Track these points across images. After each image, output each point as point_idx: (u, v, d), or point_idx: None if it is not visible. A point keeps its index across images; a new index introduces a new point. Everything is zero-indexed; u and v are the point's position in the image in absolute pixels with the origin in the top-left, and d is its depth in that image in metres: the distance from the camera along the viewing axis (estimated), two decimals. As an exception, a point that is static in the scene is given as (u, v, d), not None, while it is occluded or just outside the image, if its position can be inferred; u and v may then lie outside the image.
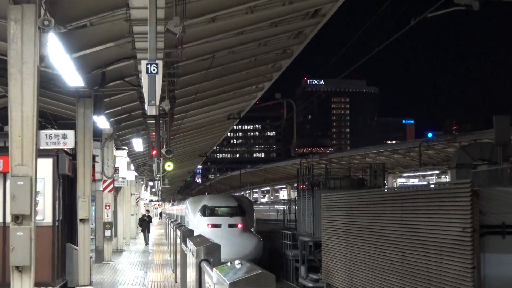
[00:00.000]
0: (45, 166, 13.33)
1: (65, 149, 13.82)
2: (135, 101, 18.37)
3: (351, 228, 16.46)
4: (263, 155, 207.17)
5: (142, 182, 48.64)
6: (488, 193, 10.30)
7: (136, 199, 42.37)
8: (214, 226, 26.17)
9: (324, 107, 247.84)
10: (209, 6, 12.93)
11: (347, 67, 23.34)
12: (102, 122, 17.58)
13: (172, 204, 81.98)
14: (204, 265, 6.41)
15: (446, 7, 13.58)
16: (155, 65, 8.52)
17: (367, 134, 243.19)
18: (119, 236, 29.05)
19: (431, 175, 41.46)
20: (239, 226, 26.28)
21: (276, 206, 42.84)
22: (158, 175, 23.97)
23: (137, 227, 39.70)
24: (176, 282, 16.05)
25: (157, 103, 8.87)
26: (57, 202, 13.89)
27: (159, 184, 39.39)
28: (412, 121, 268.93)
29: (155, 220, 77.81)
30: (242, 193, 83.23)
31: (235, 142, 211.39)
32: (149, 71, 8.51)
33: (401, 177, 43.61)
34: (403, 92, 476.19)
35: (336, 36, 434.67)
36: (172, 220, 30.09)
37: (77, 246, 15.41)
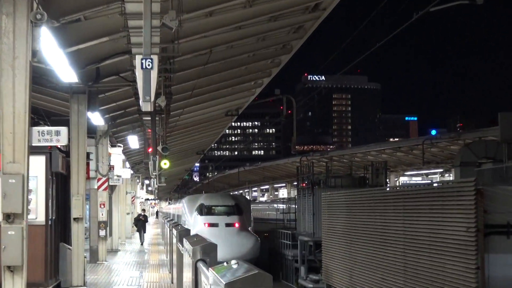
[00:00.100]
0: (38, 164, 13.32)
1: (59, 146, 13.81)
2: (131, 97, 18.35)
3: (352, 227, 16.47)
4: (262, 153, 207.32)
5: (138, 180, 48.62)
6: (493, 192, 10.31)
7: (132, 198, 42.37)
8: (211, 225, 26.21)
9: (325, 104, 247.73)
10: (206, 0, 12.92)
11: (348, 63, 23.37)
12: (96, 118, 17.57)
13: (169, 203, 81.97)
14: (200, 265, 6.41)
15: (449, 1, 13.58)
16: (150, 60, 8.51)
17: (369, 131, 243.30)
18: (114, 235, 29.05)
19: (435, 173, 41.50)
20: (236, 225, 26.32)
21: (275, 205, 42.89)
22: (154, 173, 23.97)
23: (133, 227, 39.71)
24: (172, 282, 16.06)
25: (152, 99, 8.86)
26: (50, 200, 13.88)
27: (155, 182, 39.34)
28: (415, 118, 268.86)
29: (151, 220, 77.80)
30: (241, 191, 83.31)
31: (233, 139, 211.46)
32: (144, 66, 8.50)
33: (403, 175, 43.64)
34: (405, 89, 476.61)
35: (337, 31, 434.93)
36: (168, 219, 30.14)
37: (71, 246, 15.40)
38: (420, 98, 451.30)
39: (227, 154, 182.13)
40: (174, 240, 14.06)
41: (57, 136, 11.30)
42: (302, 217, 27.35)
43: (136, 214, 41.60)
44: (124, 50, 12.99)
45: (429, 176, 43.22)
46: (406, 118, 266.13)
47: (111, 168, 24.27)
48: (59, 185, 15.05)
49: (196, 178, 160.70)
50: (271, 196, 74.23)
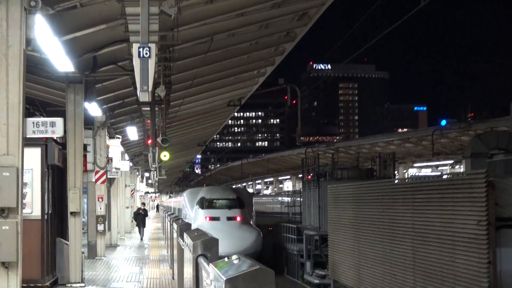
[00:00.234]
0: (33, 156, 13.33)
1: (54, 138, 13.81)
2: (129, 87, 18.32)
3: (360, 221, 16.47)
4: (266, 144, 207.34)
5: (137, 173, 48.66)
6: (505, 184, 10.28)
7: (131, 191, 42.39)
8: (212, 219, 26.27)
9: (331, 93, 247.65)
10: (206, -15, 12.90)
11: (354, 51, 23.32)
12: (93, 109, 17.55)
13: (170, 196, 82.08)
14: (201, 260, 6.39)
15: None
16: (147, 49, 8.48)
17: (377, 121, 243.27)
18: (113, 230, 29.10)
19: (445, 165, 41.49)
20: (238, 219, 26.36)
21: (280, 198, 42.95)
22: (153, 166, 23.99)
23: (132, 221, 39.73)
24: (173, 278, 16.08)
25: (150, 89, 8.84)
26: (46, 194, 13.89)
27: (155, 175, 39.39)
28: (425, 108, 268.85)
29: (152, 214, 77.90)
30: (244, 184, 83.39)
31: (236, 130, 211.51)
32: (141, 55, 8.48)
33: (412, 167, 43.64)
34: (414, 78, 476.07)
35: (342, 18, 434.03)
36: (169, 213, 30.17)
37: (68, 241, 15.41)
38: (430, 87, 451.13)
39: (229, 145, 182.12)
40: (175, 234, 14.06)
41: (53, 128, 11.26)
42: (308, 210, 27.37)
43: (136, 208, 41.62)
44: (121, 38, 12.94)
45: (439, 168, 43.22)
46: (415, 108, 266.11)
47: (109, 160, 24.26)
48: (55, 178, 15.05)
49: (198, 171, 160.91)
50: (276, 189, 74.29)
